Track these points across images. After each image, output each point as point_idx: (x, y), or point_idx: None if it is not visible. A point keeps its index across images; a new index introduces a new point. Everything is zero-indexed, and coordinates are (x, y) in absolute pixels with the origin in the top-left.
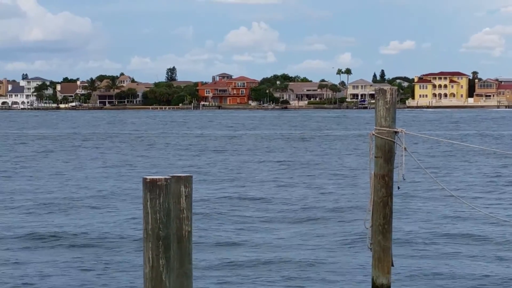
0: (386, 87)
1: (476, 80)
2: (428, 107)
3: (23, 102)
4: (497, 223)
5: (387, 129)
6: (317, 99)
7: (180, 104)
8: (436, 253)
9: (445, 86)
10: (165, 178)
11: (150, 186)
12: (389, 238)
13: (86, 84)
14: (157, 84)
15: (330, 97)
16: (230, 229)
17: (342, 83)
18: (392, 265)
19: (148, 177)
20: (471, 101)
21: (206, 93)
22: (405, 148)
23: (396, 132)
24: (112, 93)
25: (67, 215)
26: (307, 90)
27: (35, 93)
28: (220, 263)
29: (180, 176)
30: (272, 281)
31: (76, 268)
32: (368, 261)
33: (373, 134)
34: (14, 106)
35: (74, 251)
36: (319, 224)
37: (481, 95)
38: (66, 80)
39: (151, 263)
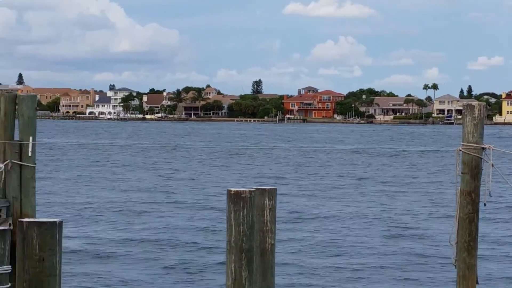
0: (474, 102)
1: None
2: None
3: (109, 113)
4: None
5: (475, 145)
6: (403, 114)
7: (265, 117)
8: None
9: None
10: (249, 191)
11: (235, 198)
12: (475, 255)
13: (172, 96)
14: (242, 97)
15: (416, 112)
16: (312, 242)
17: (429, 98)
18: (477, 283)
19: (232, 189)
20: None
21: (292, 106)
22: (492, 165)
23: (483, 149)
24: (198, 105)
25: (148, 224)
26: (393, 105)
27: (121, 104)
28: (301, 275)
29: (265, 188)
30: None
31: (158, 275)
32: (453, 278)
33: (460, 150)
34: (101, 116)
35: (156, 258)
36: (405, 239)
37: None
38: (152, 91)
39: (233, 275)
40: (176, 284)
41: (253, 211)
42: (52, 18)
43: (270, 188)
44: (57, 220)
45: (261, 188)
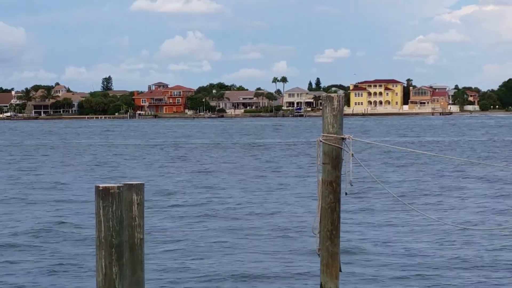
0: (333, 94)
1: (411, 88)
2: (363, 114)
3: None
4: (444, 229)
5: (335, 135)
6: (253, 107)
7: (116, 114)
8: (383, 258)
9: (380, 93)
10: (117, 186)
11: (103, 194)
12: (337, 243)
13: (21, 94)
14: (92, 94)
15: (266, 105)
16: (178, 238)
17: (278, 92)
18: (340, 271)
19: (101, 185)
20: (406, 108)
21: (142, 102)
22: (352, 155)
23: (343, 139)
24: (47, 103)
25: (21, 222)
26: (243, 99)
27: None
28: (170, 271)
29: (132, 183)
30: None
31: (28, 272)
32: (317, 267)
33: (321, 141)
34: None
35: (28, 254)
36: (267, 231)
37: (415, 102)
38: (0, 90)
39: (104, 271)
40: (45, 282)
41: (122, 206)
42: None
43: (138, 183)
44: None
45: (128, 183)
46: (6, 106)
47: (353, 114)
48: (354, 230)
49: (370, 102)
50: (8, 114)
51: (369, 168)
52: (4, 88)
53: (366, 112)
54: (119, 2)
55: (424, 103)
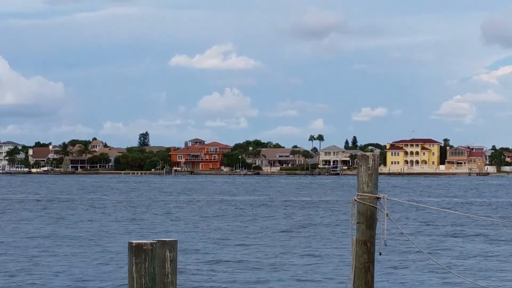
0: (369, 153)
1: (448, 148)
2: (400, 174)
3: None
4: None
5: (369, 195)
6: (290, 165)
7: (153, 169)
8: None
9: (417, 153)
10: (150, 243)
11: (136, 250)
12: None
13: (58, 149)
14: (129, 149)
15: (302, 163)
16: None
17: (315, 149)
18: None
19: (134, 241)
20: (442, 168)
21: (179, 159)
22: (387, 214)
23: (378, 198)
24: (84, 158)
25: (53, 277)
26: (280, 156)
27: (6, 157)
28: None
29: (165, 240)
30: None
31: None
32: None
33: (355, 200)
34: None
35: None
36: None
37: (452, 162)
38: (38, 144)
39: None
40: None
41: (155, 263)
42: None
43: (171, 240)
44: None
45: (162, 240)
46: (43, 161)
47: (389, 173)
48: None
49: (406, 162)
50: (45, 168)
51: (404, 228)
52: (42, 142)
53: (402, 171)
54: (157, 58)
55: (461, 163)
